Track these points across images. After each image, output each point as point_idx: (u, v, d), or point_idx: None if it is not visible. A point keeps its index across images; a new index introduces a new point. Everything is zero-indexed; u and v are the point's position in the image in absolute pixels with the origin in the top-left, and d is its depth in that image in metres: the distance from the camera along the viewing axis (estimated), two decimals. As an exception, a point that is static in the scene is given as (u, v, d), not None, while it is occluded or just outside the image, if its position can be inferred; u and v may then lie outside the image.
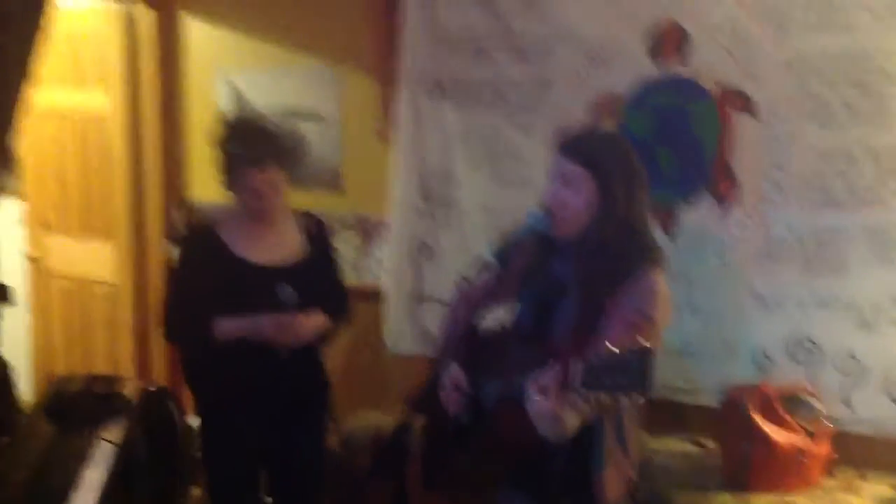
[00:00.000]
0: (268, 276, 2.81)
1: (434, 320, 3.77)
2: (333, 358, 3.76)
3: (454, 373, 2.21)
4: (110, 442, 2.72)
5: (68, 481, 2.43)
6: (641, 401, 2.02)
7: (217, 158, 2.86)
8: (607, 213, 2.13)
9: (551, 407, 1.88)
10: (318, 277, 2.90)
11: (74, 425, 2.81)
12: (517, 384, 2.01)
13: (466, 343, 2.17)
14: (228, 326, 2.78)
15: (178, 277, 2.95)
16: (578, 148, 2.18)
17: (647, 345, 1.75)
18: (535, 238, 2.21)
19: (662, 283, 2.15)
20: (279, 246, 2.88)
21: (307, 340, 2.82)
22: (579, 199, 2.14)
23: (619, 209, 2.13)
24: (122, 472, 2.77)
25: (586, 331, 2.05)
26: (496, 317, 2.34)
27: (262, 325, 2.76)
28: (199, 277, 2.85)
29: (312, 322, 2.84)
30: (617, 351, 1.76)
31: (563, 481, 2.17)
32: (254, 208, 2.84)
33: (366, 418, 3.60)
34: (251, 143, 2.82)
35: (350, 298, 3.10)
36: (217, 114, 4.09)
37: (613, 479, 2.18)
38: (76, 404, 2.96)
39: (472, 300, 2.26)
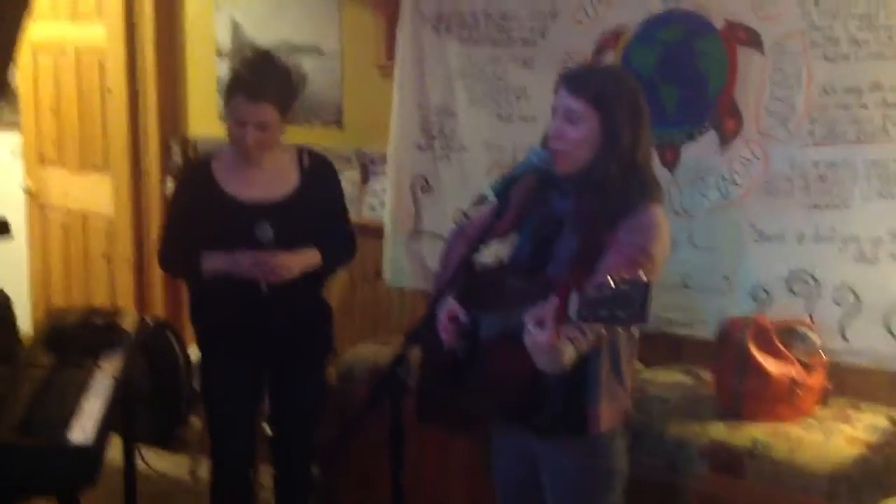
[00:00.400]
0: (251, 213, 2.80)
1: (432, 255, 3.77)
2: (332, 292, 3.78)
3: (450, 306, 2.21)
4: (109, 372, 2.72)
5: (68, 410, 2.44)
6: (637, 333, 2.04)
7: (226, 81, 2.85)
8: (610, 150, 2.12)
9: (548, 339, 1.89)
10: (310, 214, 2.87)
11: (74, 356, 2.82)
12: (514, 318, 2.01)
13: (464, 277, 2.17)
14: (212, 261, 2.81)
15: (171, 210, 3.01)
16: (583, 83, 2.15)
17: (646, 278, 1.74)
18: (537, 174, 2.20)
19: (662, 218, 2.15)
20: (269, 183, 2.86)
21: (289, 277, 2.79)
22: (582, 136, 2.12)
23: (622, 147, 2.12)
24: (121, 403, 2.79)
25: (584, 265, 2.06)
26: (494, 251, 2.34)
27: (239, 261, 2.76)
28: (189, 211, 2.88)
29: (296, 259, 2.81)
30: (615, 283, 1.75)
31: (558, 413, 2.20)
32: (235, 140, 2.80)
33: (364, 351, 3.61)
34: (250, 72, 2.80)
35: (356, 234, 3.09)
36: (226, 45, 4.05)
37: (609, 411, 2.20)
38: (75, 335, 2.97)
39: (470, 234, 2.25)
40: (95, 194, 4.84)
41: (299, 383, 3.02)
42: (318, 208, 2.92)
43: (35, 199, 5.09)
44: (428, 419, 2.36)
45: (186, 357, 4.11)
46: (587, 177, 2.15)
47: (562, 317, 1.86)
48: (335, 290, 3.90)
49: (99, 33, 4.64)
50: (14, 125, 5.12)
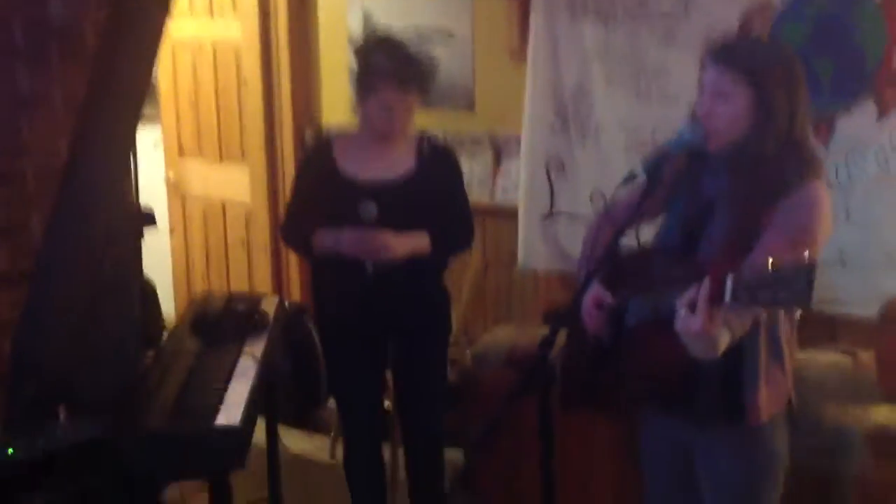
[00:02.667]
0: (360, 192, 2.84)
1: (567, 236, 3.72)
2: (465, 276, 3.76)
3: (596, 290, 2.14)
4: (253, 356, 2.76)
5: (216, 395, 2.49)
6: (798, 315, 1.92)
7: (360, 71, 2.87)
8: (766, 125, 2.00)
9: (702, 324, 1.80)
10: (421, 198, 2.88)
11: (219, 342, 2.88)
12: (664, 302, 1.93)
13: (609, 260, 2.09)
14: (320, 238, 2.88)
15: (293, 189, 3.10)
16: (735, 56, 2.03)
17: (810, 258, 1.64)
18: (687, 152, 2.10)
19: (823, 194, 2.02)
20: (385, 165, 2.89)
21: (392, 257, 2.80)
22: (735, 111, 2.01)
23: (779, 122, 2.00)
24: (264, 386, 2.83)
25: (739, 247, 1.96)
26: (640, 233, 2.25)
27: (342, 238, 2.80)
28: (306, 189, 2.97)
29: (401, 241, 2.82)
30: (777, 264, 1.65)
31: (715, 402, 2.10)
32: (380, 126, 2.86)
33: (499, 335, 3.58)
34: (397, 61, 2.82)
35: (473, 223, 3.06)
36: (358, 33, 4.09)
37: (769, 398, 2.09)
38: (219, 321, 3.03)
39: (617, 217, 2.16)
40: (233, 183, 4.94)
41: (417, 366, 3.06)
42: (432, 194, 2.92)
43: (175, 189, 5.24)
44: (573, 406, 2.30)
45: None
46: (741, 154, 2.04)
47: (716, 300, 1.77)
48: (469, 274, 3.89)
49: (235, 28, 4.73)
50: (154, 119, 5.28)
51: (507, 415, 1.94)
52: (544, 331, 3.39)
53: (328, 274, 2.96)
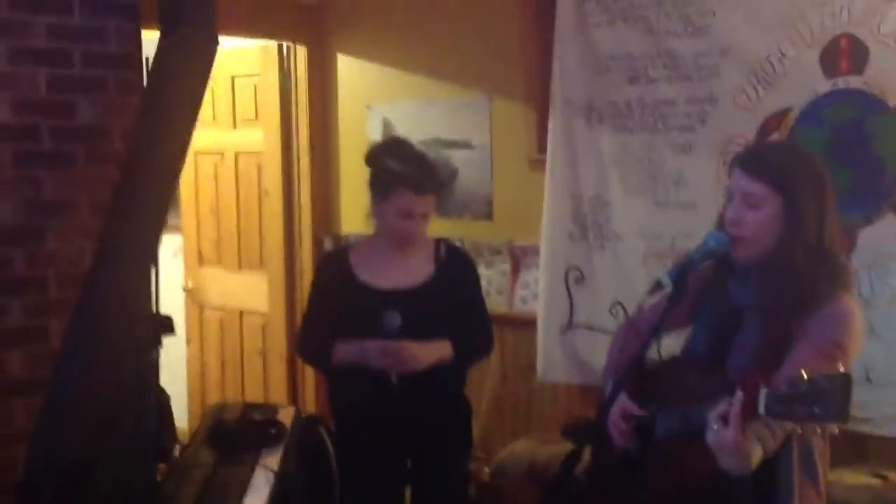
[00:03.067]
0: (381, 301, 2.80)
1: (587, 348, 3.67)
2: (484, 387, 3.71)
3: (623, 402, 2.10)
4: (270, 469, 2.71)
5: (231, 508, 2.43)
6: (836, 431, 1.86)
7: (374, 176, 2.88)
8: (795, 234, 1.97)
9: (734, 437, 1.75)
10: (442, 304, 2.84)
11: (235, 453, 2.83)
12: (694, 415, 1.89)
13: (636, 371, 2.05)
14: (342, 351, 2.82)
15: (309, 300, 3.04)
16: (762, 163, 2.02)
17: (845, 371, 1.60)
18: (714, 261, 2.08)
19: (855, 309, 1.99)
20: (405, 272, 2.86)
21: (418, 368, 2.75)
22: (763, 220, 1.99)
23: (809, 231, 1.97)
24: (281, 500, 2.76)
25: (769, 359, 1.91)
26: (666, 344, 2.22)
27: (367, 350, 2.75)
28: (324, 300, 2.92)
29: (426, 350, 2.77)
30: (812, 378, 1.61)
31: None
32: (398, 231, 2.84)
33: (518, 449, 3.51)
34: (411, 165, 2.84)
35: (493, 329, 3.02)
36: (372, 143, 4.16)
37: None
38: (236, 432, 2.98)
39: (642, 326, 2.13)
40: (252, 292, 4.95)
41: (438, 479, 2.98)
42: (452, 300, 2.88)
43: (194, 297, 5.25)
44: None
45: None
46: (770, 264, 2.01)
47: (750, 413, 1.73)
48: (487, 384, 3.84)
49: (257, 137, 4.82)
50: (175, 228, 5.33)
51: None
52: (565, 445, 3.39)
53: (349, 385, 2.89)
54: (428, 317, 2.79)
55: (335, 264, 2.97)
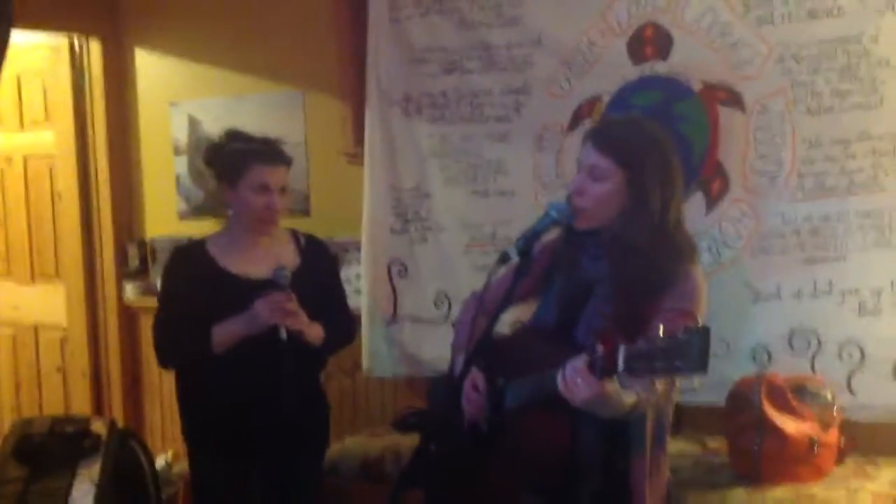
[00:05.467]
0: (258, 289, 2.67)
1: (414, 341, 3.66)
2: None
3: (473, 375, 2.08)
4: (91, 482, 2.52)
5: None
6: (695, 385, 1.91)
7: (221, 165, 2.76)
8: (639, 213, 2.01)
9: (596, 387, 1.76)
10: (312, 292, 2.75)
11: (48, 467, 2.61)
12: (545, 383, 1.89)
13: (484, 345, 2.03)
14: (225, 330, 2.67)
15: (165, 299, 2.83)
16: (611, 139, 2.04)
17: (703, 325, 1.64)
18: (561, 232, 2.10)
19: (702, 279, 2.05)
20: (269, 260, 2.75)
21: (304, 326, 2.67)
22: (605, 192, 2.01)
23: (651, 210, 2.00)
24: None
25: (620, 332, 1.93)
26: (511, 317, 2.22)
27: (255, 309, 2.63)
28: (187, 296, 2.74)
29: (308, 321, 2.68)
30: (669, 333, 1.65)
31: (599, 490, 2.03)
32: (258, 209, 2.71)
33: (351, 445, 3.45)
34: (260, 142, 2.78)
35: (354, 322, 3.02)
36: (184, 141, 3.98)
37: (652, 487, 2.05)
38: (47, 445, 2.76)
39: (488, 299, 2.12)
40: (47, 305, 4.62)
41: (295, 478, 2.85)
42: (318, 287, 2.81)
43: (-21, 314, 4.85)
44: (453, 502, 2.19)
45: (153, 467, 3.87)
46: (615, 238, 2.03)
47: (609, 370, 1.74)
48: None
49: (48, 139, 4.51)
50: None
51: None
52: (396, 438, 3.35)
53: (221, 370, 2.69)
54: (301, 304, 2.68)
55: (193, 258, 2.80)
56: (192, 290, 2.73)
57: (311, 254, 2.86)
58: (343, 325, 2.91)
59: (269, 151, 2.76)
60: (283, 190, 2.76)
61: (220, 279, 2.73)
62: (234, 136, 2.81)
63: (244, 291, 2.68)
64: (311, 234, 2.96)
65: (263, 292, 2.65)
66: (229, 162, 2.74)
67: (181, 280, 2.79)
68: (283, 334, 2.63)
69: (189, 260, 2.81)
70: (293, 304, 2.65)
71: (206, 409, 2.78)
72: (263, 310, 2.63)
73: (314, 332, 2.73)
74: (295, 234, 2.90)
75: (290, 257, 2.81)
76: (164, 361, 2.87)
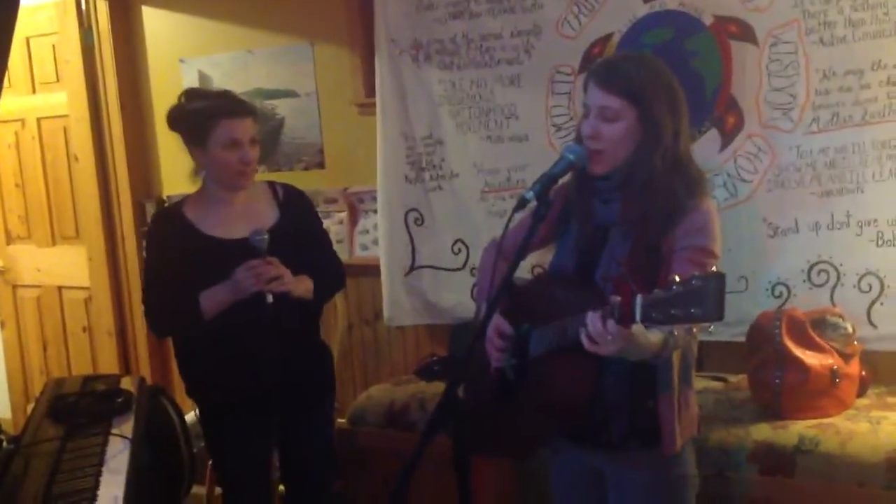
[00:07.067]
0: (233, 253, 2.66)
1: (433, 289, 3.68)
2: (331, 338, 3.66)
3: (496, 321, 2.11)
4: (125, 437, 2.57)
5: (89, 481, 2.29)
6: (711, 330, 1.92)
7: (187, 128, 2.73)
8: (653, 146, 2.00)
9: (621, 337, 1.78)
10: (294, 245, 2.75)
11: (82, 425, 2.66)
12: (568, 329, 1.91)
13: (506, 291, 2.04)
14: (212, 298, 2.66)
15: (149, 267, 2.83)
16: (615, 77, 2.02)
17: (718, 271, 1.65)
18: (574, 176, 2.10)
19: (715, 211, 2.06)
20: (249, 219, 2.73)
21: (290, 287, 2.66)
22: (619, 133, 2.01)
23: (665, 141, 2.00)
24: (138, 467, 2.63)
25: (639, 271, 1.94)
26: (531, 262, 2.24)
27: (237, 276, 2.62)
28: (170, 262, 2.72)
29: (292, 276, 2.67)
30: (684, 280, 1.65)
31: (629, 430, 2.08)
32: (231, 165, 2.68)
33: (376, 394, 3.49)
34: (220, 96, 2.75)
35: (341, 261, 3.01)
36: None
37: (682, 424, 2.09)
38: (80, 403, 2.81)
39: (508, 245, 2.13)
40: (69, 267, 4.66)
41: (306, 430, 2.90)
42: (302, 238, 2.81)
43: (5, 278, 4.90)
44: (480, 449, 2.20)
45: (184, 423, 3.94)
46: (630, 178, 2.04)
47: (627, 321, 1.76)
48: (334, 336, 3.78)
49: (61, 100, 4.51)
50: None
51: (422, 456, 1.84)
52: (420, 385, 3.39)
53: (217, 342, 2.72)
54: (284, 259, 2.68)
55: (172, 223, 2.77)
56: (175, 257, 2.72)
57: (290, 205, 2.84)
58: (330, 272, 2.91)
59: (232, 105, 2.71)
60: (252, 141, 2.71)
61: (200, 243, 2.71)
62: (193, 94, 2.78)
63: (225, 253, 2.67)
64: (287, 184, 2.93)
65: (244, 261, 2.63)
66: (195, 122, 2.70)
67: (162, 246, 2.77)
68: (270, 298, 2.63)
69: (169, 225, 2.79)
70: (274, 268, 2.63)
71: (207, 372, 2.81)
72: (244, 278, 2.62)
73: (301, 287, 2.72)
74: (272, 185, 2.88)
75: (268, 212, 2.79)
76: (157, 332, 2.90)
